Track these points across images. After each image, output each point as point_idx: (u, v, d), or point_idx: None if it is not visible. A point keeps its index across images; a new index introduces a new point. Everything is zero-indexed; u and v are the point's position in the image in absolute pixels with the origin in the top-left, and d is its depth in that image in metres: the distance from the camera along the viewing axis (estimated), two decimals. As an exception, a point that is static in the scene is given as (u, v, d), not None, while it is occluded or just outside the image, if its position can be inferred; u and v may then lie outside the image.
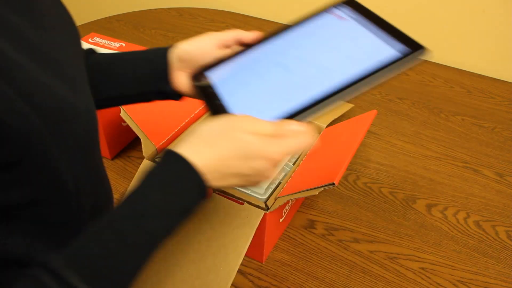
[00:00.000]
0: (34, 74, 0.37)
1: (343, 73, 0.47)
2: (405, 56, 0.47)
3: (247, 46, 0.57)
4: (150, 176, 0.40)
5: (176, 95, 0.58)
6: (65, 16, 0.49)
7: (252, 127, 0.43)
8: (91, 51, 0.62)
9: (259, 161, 0.42)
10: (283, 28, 0.57)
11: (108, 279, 0.36)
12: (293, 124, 0.44)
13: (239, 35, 0.57)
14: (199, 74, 0.56)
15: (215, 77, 0.54)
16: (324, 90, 0.46)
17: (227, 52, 0.57)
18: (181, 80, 0.57)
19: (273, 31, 0.57)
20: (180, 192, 0.40)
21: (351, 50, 0.50)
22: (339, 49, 0.51)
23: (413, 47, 0.48)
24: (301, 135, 0.44)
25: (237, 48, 0.58)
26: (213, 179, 0.41)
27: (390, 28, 0.53)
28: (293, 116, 0.46)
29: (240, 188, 0.76)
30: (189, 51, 0.56)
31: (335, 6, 0.57)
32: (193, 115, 0.89)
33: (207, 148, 0.41)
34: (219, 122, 0.43)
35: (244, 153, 0.42)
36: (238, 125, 0.43)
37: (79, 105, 0.41)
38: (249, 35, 0.57)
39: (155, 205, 0.39)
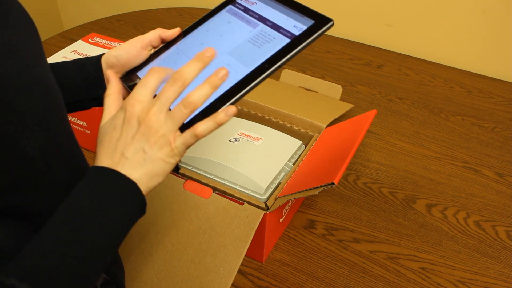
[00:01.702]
0: None
1: (259, 54, 0.51)
2: (313, 28, 0.52)
3: (169, 42, 0.60)
4: (76, 192, 0.41)
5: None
6: (25, 15, 0.49)
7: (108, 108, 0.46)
8: None
9: (120, 118, 0.42)
10: (199, 21, 0.61)
11: (51, 276, 0.36)
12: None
13: (161, 34, 0.59)
14: (128, 75, 0.58)
15: (143, 75, 0.54)
16: (244, 72, 0.49)
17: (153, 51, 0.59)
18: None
19: (191, 24, 0.61)
20: (106, 191, 0.40)
21: (262, 31, 0.54)
22: (251, 33, 0.54)
23: (320, 20, 0.53)
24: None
25: (161, 45, 0.60)
26: (118, 165, 0.41)
27: (296, 5, 0.56)
28: (223, 100, 0.47)
29: (240, 188, 0.76)
30: (117, 56, 0.57)
31: None
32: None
33: (102, 147, 0.42)
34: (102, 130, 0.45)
35: (111, 123, 0.43)
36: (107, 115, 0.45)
37: (27, 77, 0.41)
38: (169, 32, 0.59)
39: (85, 206, 0.39)
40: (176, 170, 0.81)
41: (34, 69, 0.43)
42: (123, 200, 0.40)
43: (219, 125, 0.43)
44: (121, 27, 1.49)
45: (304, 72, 1.26)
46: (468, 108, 1.16)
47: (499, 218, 0.85)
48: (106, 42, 1.06)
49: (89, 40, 1.07)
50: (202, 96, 0.43)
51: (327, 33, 1.55)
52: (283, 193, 0.71)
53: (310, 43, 0.50)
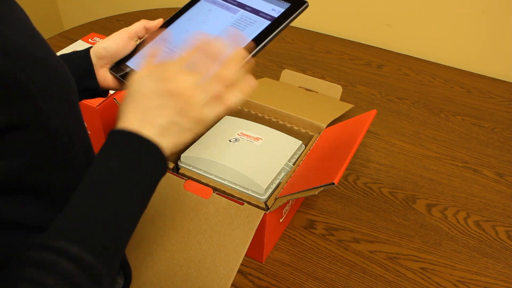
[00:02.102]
0: (8, 34, 0.38)
1: (247, 32, 0.54)
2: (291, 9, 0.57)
3: (154, 32, 0.62)
4: (103, 155, 0.41)
5: (102, 92, 0.63)
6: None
7: (154, 69, 0.45)
8: None
9: (179, 97, 0.42)
10: (179, 11, 0.62)
11: (96, 234, 0.37)
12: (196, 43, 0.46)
13: (145, 25, 0.62)
14: (118, 66, 0.60)
15: (133, 64, 0.59)
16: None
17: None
18: (104, 76, 0.61)
19: (173, 15, 0.63)
20: (136, 155, 0.41)
21: (243, 16, 0.58)
22: (233, 18, 0.58)
23: (295, 2, 0.60)
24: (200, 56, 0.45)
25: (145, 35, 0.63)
26: (155, 134, 0.41)
27: None
28: None
29: (240, 188, 0.76)
30: (106, 48, 0.60)
31: None
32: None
33: (131, 110, 0.43)
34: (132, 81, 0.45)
35: (161, 90, 0.42)
36: (144, 76, 0.45)
37: (52, 59, 0.44)
38: (153, 23, 0.62)
39: (114, 170, 0.40)
40: (176, 170, 0.81)
41: (52, 52, 0.46)
42: (150, 164, 0.41)
43: (246, 95, 0.45)
44: (121, 27, 1.48)
45: (304, 72, 1.26)
46: (468, 108, 1.16)
47: (499, 218, 0.85)
48: (106, 42, 1.06)
49: (89, 40, 1.07)
50: (237, 98, 0.45)
51: (327, 33, 1.55)
52: (283, 193, 0.71)
53: (289, 24, 0.55)
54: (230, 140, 0.84)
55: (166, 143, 0.41)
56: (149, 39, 0.62)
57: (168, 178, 0.75)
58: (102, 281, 0.36)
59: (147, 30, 0.62)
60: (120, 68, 0.59)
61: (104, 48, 0.60)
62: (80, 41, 1.07)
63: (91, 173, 0.40)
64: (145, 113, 0.41)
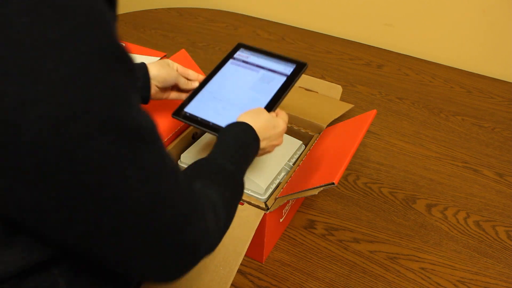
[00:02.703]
0: None
1: (271, 88, 0.76)
2: (295, 72, 0.78)
3: (200, 85, 0.79)
4: (234, 126, 0.63)
5: (147, 100, 0.76)
6: None
7: (269, 112, 0.70)
8: None
9: (279, 128, 0.68)
10: (212, 72, 0.81)
11: (239, 163, 0.58)
12: (278, 111, 0.74)
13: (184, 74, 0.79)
14: (179, 111, 0.75)
15: (192, 109, 0.75)
16: (265, 98, 0.74)
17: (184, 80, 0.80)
18: (151, 89, 0.76)
19: (209, 74, 0.81)
20: (250, 135, 0.62)
21: (264, 74, 0.79)
22: (258, 76, 0.79)
23: (298, 62, 0.81)
24: (283, 113, 0.74)
25: (193, 84, 0.80)
26: (261, 138, 0.64)
27: (277, 55, 0.82)
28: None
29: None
30: (161, 77, 0.76)
31: (240, 49, 0.84)
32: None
33: (255, 120, 0.65)
34: (251, 110, 0.68)
35: (273, 123, 0.67)
36: (261, 109, 0.69)
37: None
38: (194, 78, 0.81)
39: (243, 139, 0.61)
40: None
41: None
42: (256, 146, 0.63)
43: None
44: (121, 27, 1.49)
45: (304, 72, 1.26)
46: (468, 108, 1.16)
47: (499, 218, 0.85)
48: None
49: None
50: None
51: (327, 33, 1.55)
52: (283, 193, 0.71)
53: (298, 79, 0.77)
54: (230, 140, 0.84)
55: (261, 144, 0.65)
56: (197, 91, 0.78)
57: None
58: (241, 189, 0.56)
59: (187, 80, 0.80)
60: (180, 113, 0.75)
61: (161, 77, 0.75)
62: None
63: (231, 136, 0.60)
64: (265, 131, 0.65)
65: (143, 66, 0.75)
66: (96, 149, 0.32)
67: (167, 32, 1.49)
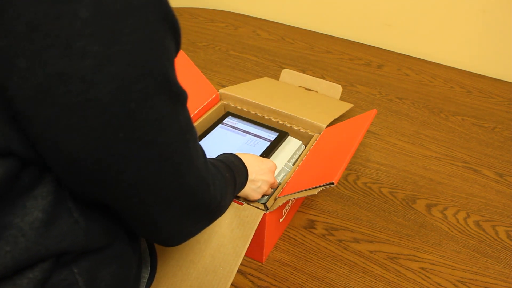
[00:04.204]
0: None
1: (256, 151, 0.84)
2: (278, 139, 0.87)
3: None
4: (227, 154, 0.66)
5: None
6: None
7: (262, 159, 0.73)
8: None
9: (265, 166, 0.71)
10: (204, 133, 0.89)
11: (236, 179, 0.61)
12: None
13: None
14: None
15: None
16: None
17: None
18: None
19: (202, 132, 0.89)
20: (241, 166, 0.65)
21: (250, 138, 0.87)
22: (244, 139, 0.87)
23: (280, 131, 0.89)
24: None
25: None
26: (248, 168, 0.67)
27: (262, 124, 0.92)
28: None
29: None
30: None
31: (228, 116, 0.93)
32: (192, 115, 0.89)
33: (242, 155, 0.67)
34: (249, 154, 0.71)
35: (260, 159, 0.71)
36: (252, 153, 0.73)
37: None
38: None
39: (237, 163, 0.64)
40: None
41: None
42: (245, 177, 0.66)
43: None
44: (121, 27, 1.49)
45: (304, 72, 1.26)
46: (468, 108, 1.16)
47: (499, 218, 0.85)
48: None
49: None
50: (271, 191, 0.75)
51: (327, 33, 1.55)
52: (283, 193, 0.71)
53: (280, 145, 0.85)
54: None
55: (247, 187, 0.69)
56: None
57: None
58: (237, 187, 0.61)
59: None
60: None
61: None
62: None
63: (224, 157, 0.63)
64: (249, 160, 0.68)
65: None
66: (153, 107, 0.36)
67: (167, 32, 1.48)
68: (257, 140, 0.86)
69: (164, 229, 0.46)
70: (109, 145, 0.36)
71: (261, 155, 0.81)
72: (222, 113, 0.97)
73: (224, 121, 0.92)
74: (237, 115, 0.94)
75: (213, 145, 0.86)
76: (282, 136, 0.87)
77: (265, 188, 0.71)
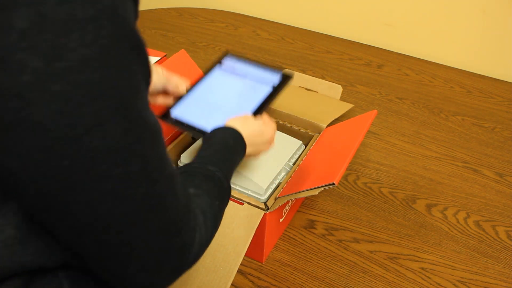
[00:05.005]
0: None
1: (257, 96, 0.76)
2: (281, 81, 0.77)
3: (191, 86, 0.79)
4: (221, 130, 0.62)
5: None
6: None
7: (256, 118, 0.69)
8: None
9: (266, 136, 0.68)
10: (205, 73, 0.82)
11: (228, 172, 0.58)
12: (264, 116, 0.71)
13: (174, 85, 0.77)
14: (166, 115, 0.75)
15: (180, 113, 0.75)
16: (251, 105, 0.74)
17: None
18: None
19: (198, 79, 0.81)
20: (238, 141, 0.62)
21: (251, 82, 0.79)
22: (246, 82, 0.79)
23: (284, 72, 0.79)
24: (271, 121, 0.71)
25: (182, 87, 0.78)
26: (247, 145, 0.64)
27: (264, 64, 0.81)
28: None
29: (240, 188, 0.76)
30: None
31: (227, 57, 0.84)
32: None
33: (243, 126, 0.64)
34: (239, 116, 0.67)
35: (260, 130, 0.67)
36: (249, 116, 0.68)
37: None
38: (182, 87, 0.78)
39: (231, 144, 0.61)
40: (176, 170, 0.81)
41: None
42: (243, 152, 0.63)
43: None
44: (121, 27, 1.49)
45: (304, 72, 1.26)
46: (468, 108, 1.16)
47: (499, 218, 0.85)
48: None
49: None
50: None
51: (327, 33, 1.55)
52: (283, 193, 0.71)
53: (283, 90, 0.76)
54: (230, 140, 0.84)
55: (249, 152, 0.66)
56: (184, 96, 0.77)
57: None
58: (228, 197, 0.55)
59: (176, 87, 0.77)
60: (168, 116, 0.75)
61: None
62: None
63: (218, 140, 0.60)
64: (253, 138, 0.65)
65: None
66: (106, 135, 0.31)
67: (167, 32, 1.49)
68: (258, 85, 0.78)
69: (122, 282, 0.39)
70: (51, 174, 0.31)
71: (264, 102, 0.74)
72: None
73: (223, 63, 0.84)
74: (237, 55, 0.85)
75: (211, 91, 0.79)
76: (285, 79, 0.78)
77: (257, 156, 0.70)
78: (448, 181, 0.93)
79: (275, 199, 0.71)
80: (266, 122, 0.70)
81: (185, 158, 0.81)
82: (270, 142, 0.69)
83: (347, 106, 1.03)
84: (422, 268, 0.76)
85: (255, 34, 1.49)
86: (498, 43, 1.28)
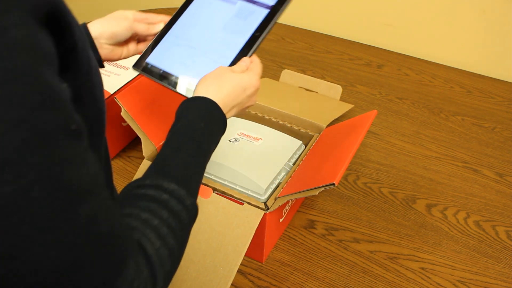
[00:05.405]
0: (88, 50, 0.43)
1: (247, 25, 0.62)
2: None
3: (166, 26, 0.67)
4: (190, 109, 0.53)
5: (100, 62, 0.65)
6: None
7: (233, 69, 0.58)
8: None
9: (250, 89, 0.58)
10: (183, 5, 0.68)
11: (193, 181, 0.48)
12: (247, 60, 0.60)
13: (149, 20, 0.68)
14: (139, 62, 0.65)
15: (153, 60, 0.64)
16: (239, 40, 0.60)
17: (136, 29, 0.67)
18: (99, 49, 0.64)
19: (177, 10, 0.68)
20: (213, 119, 0.53)
21: (240, 6, 0.64)
22: (234, 10, 0.64)
23: None
24: (255, 64, 0.60)
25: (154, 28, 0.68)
26: (226, 110, 0.55)
27: None
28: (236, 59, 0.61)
29: (240, 188, 0.76)
30: (108, 34, 0.64)
31: None
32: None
33: (219, 89, 0.55)
34: (213, 73, 0.57)
35: (241, 86, 0.57)
36: (226, 71, 0.57)
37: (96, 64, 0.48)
38: (157, 18, 0.69)
39: (202, 128, 0.51)
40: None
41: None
42: (222, 127, 0.54)
43: None
44: (121, 27, 1.49)
45: (304, 72, 1.26)
46: (468, 108, 1.16)
47: (499, 218, 0.85)
48: (106, 42, 1.06)
49: (89, 40, 1.07)
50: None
51: (327, 33, 1.54)
52: (283, 193, 0.71)
53: (285, 10, 0.61)
54: (230, 140, 0.84)
55: (231, 115, 0.58)
56: (161, 37, 0.66)
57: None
58: (194, 219, 0.45)
59: (148, 25, 0.68)
60: (141, 64, 0.65)
61: (107, 33, 0.64)
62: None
63: (185, 127, 0.50)
64: (232, 100, 0.56)
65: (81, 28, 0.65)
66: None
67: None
68: (251, 8, 0.62)
69: None
70: None
71: (255, 33, 0.60)
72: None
73: None
74: None
75: (191, 26, 0.65)
76: None
77: (242, 113, 0.63)
78: (448, 181, 0.93)
79: (275, 199, 0.71)
80: (247, 70, 0.59)
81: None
82: (254, 93, 0.59)
83: (347, 106, 1.04)
84: (422, 268, 0.76)
85: (255, 34, 1.49)
86: (498, 43, 1.28)
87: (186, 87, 0.62)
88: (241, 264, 0.65)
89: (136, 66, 0.65)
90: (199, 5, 0.66)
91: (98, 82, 0.45)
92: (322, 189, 0.62)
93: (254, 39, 0.60)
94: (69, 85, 0.35)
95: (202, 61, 0.60)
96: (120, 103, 0.81)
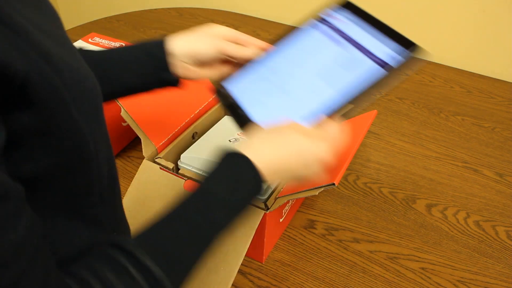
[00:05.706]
0: (44, 42, 0.38)
1: (351, 79, 0.50)
2: (403, 60, 0.49)
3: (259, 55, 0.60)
4: (214, 173, 0.45)
5: (176, 81, 0.62)
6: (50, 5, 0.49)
7: (302, 130, 0.49)
8: (79, 49, 0.62)
9: (309, 159, 0.48)
10: (286, 34, 0.60)
11: (177, 263, 0.39)
12: (332, 125, 0.50)
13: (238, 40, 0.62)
14: (220, 88, 0.60)
15: (234, 89, 0.58)
16: (341, 93, 0.50)
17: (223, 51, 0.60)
18: (178, 67, 0.61)
19: (277, 38, 0.60)
20: (241, 187, 0.44)
21: (351, 55, 0.52)
22: (340, 56, 0.53)
23: (408, 46, 0.49)
24: (332, 130, 0.50)
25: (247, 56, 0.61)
26: (270, 175, 0.46)
27: (386, 28, 0.55)
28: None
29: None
30: (190, 51, 0.60)
31: (332, 9, 0.58)
32: (193, 115, 0.89)
33: (266, 148, 0.47)
34: (275, 127, 0.49)
35: (298, 152, 0.48)
36: (291, 129, 0.49)
37: (83, 67, 0.43)
38: (261, 45, 0.62)
39: (220, 199, 0.42)
40: (176, 170, 0.81)
41: (81, 58, 0.44)
42: (256, 190, 0.46)
43: None
44: (121, 27, 1.49)
45: (304, 72, 1.26)
46: (468, 108, 1.16)
47: (499, 218, 0.85)
48: (106, 42, 1.07)
49: (89, 40, 1.07)
50: None
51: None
52: (283, 193, 0.71)
53: (404, 73, 0.48)
54: (230, 140, 0.84)
55: (272, 181, 0.48)
56: (252, 64, 0.60)
57: (168, 178, 0.75)
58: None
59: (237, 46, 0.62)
60: (221, 91, 0.59)
61: (188, 53, 0.60)
62: (80, 41, 1.07)
63: (196, 196, 0.43)
64: (281, 168, 0.47)
65: (159, 44, 0.61)
66: None
67: (167, 32, 1.48)
68: (362, 60, 0.50)
69: None
70: None
71: (354, 91, 0.48)
72: (222, 114, 0.96)
73: (324, 17, 0.58)
74: (356, 7, 0.58)
75: (287, 60, 0.55)
76: (411, 61, 0.48)
77: (311, 177, 0.51)
78: (448, 181, 0.93)
79: (275, 199, 0.71)
80: (317, 135, 0.49)
81: (185, 158, 0.81)
82: (315, 165, 0.49)
83: (347, 106, 1.03)
84: (422, 268, 0.76)
85: (255, 34, 1.49)
86: (498, 43, 1.28)
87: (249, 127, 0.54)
88: (241, 264, 0.65)
89: (215, 88, 0.59)
90: (302, 38, 0.57)
91: (84, 112, 0.41)
92: (322, 189, 0.62)
93: (345, 98, 0.49)
94: (28, 120, 0.33)
95: (280, 102, 0.51)
96: (120, 103, 0.81)
